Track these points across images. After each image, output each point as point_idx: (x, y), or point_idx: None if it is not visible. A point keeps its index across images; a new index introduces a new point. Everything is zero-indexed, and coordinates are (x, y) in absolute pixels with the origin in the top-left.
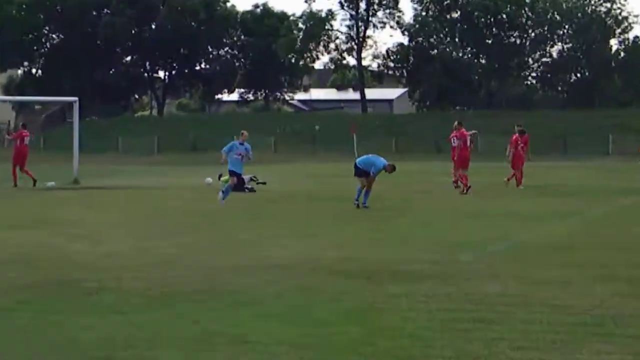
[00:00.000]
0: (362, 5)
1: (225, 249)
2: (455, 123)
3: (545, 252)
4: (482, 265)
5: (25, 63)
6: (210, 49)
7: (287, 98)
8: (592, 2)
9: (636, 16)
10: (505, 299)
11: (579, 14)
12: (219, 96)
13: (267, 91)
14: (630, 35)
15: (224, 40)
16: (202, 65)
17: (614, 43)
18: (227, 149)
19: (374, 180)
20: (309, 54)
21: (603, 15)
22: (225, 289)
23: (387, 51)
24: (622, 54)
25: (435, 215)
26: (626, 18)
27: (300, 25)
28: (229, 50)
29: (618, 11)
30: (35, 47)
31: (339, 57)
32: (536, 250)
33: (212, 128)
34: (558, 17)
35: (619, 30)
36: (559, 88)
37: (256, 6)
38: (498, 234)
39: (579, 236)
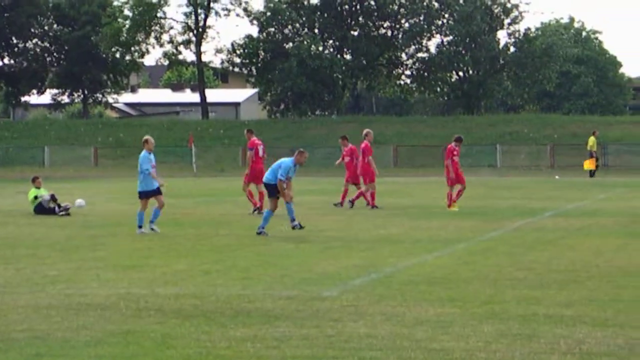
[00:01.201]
0: None
1: (30, 286)
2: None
3: (421, 286)
4: (347, 301)
5: None
6: (14, 41)
7: (110, 101)
8: None
9: (527, 4)
10: (374, 341)
11: (462, 1)
12: (26, 98)
13: (85, 92)
14: (521, 27)
15: (32, 30)
16: (5, 61)
17: (502, 36)
18: (145, 164)
19: (289, 186)
20: (137, 48)
21: (489, 3)
22: (25, 335)
23: (232, 44)
24: (512, 49)
25: (291, 243)
26: (516, 6)
27: (126, 12)
28: (39, 43)
29: None
30: None
31: (174, 51)
32: (411, 284)
33: (17, 137)
34: (436, 5)
35: (507, 21)
36: (438, 89)
37: None
38: (367, 264)
39: (462, 267)
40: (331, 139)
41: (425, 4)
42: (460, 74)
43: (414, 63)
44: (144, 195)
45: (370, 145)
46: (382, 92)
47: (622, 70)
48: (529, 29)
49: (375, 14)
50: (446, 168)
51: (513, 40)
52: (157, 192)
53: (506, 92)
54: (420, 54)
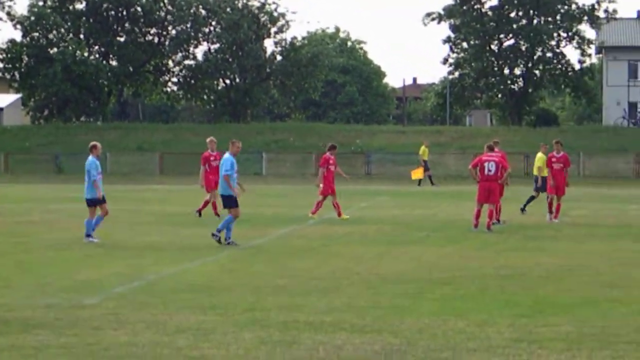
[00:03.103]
0: None
1: None
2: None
3: (183, 294)
4: (108, 309)
5: None
6: None
7: None
8: None
9: (294, 13)
10: (134, 349)
11: (229, 9)
12: None
13: None
14: (288, 36)
15: None
16: None
17: (269, 44)
18: (95, 170)
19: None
20: None
21: (256, 11)
22: None
23: None
24: (279, 57)
25: (53, 250)
26: (283, 15)
27: None
28: None
29: (273, 6)
30: None
31: None
32: (173, 292)
33: None
34: (204, 12)
35: (274, 30)
36: (205, 97)
37: None
38: (130, 272)
39: (225, 274)
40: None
41: (192, 11)
42: (227, 81)
43: (180, 70)
44: (92, 202)
45: (209, 154)
46: (149, 99)
47: (385, 80)
48: (295, 38)
49: (142, 20)
50: (321, 177)
51: (280, 48)
52: (101, 200)
53: (273, 101)
54: (187, 61)
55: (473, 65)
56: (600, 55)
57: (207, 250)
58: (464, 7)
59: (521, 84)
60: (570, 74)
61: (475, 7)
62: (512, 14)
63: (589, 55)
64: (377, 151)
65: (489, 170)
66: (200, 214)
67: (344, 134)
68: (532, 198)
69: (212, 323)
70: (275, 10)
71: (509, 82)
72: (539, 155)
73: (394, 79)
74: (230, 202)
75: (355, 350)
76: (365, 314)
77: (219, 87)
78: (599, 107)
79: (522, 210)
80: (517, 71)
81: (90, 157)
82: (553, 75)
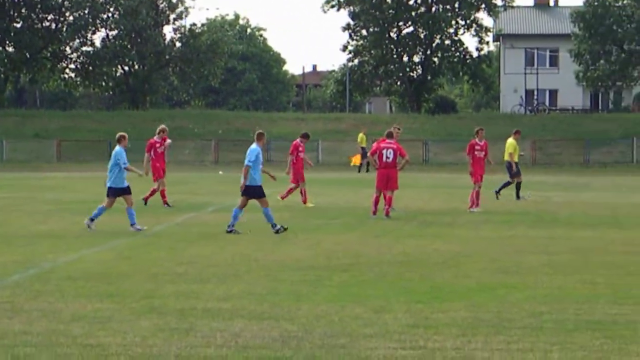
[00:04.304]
0: None
1: None
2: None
3: (80, 282)
4: (3, 298)
5: None
6: None
7: None
8: None
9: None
10: (29, 338)
11: None
12: None
13: None
14: (187, 23)
15: None
16: None
17: (168, 31)
18: (125, 159)
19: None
20: None
21: None
22: None
23: None
24: (178, 44)
25: None
26: (182, 2)
27: None
28: None
29: None
30: None
31: None
32: (69, 279)
33: None
34: None
35: (173, 16)
36: (103, 84)
37: None
38: (25, 260)
39: (123, 261)
40: None
41: None
42: (126, 68)
43: (78, 57)
44: (113, 192)
45: (155, 141)
46: (46, 86)
47: (285, 67)
48: (194, 24)
49: (39, 6)
50: (291, 164)
51: (179, 35)
52: (126, 191)
53: (172, 88)
54: (84, 48)
55: (372, 52)
56: (498, 43)
57: (104, 238)
58: None
59: (420, 71)
60: (468, 61)
61: None
62: (411, 2)
63: (487, 43)
64: (277, 138)
65: (387, 158)
66: (146, 203)
67: (244, 121)
68: (507, 183)
69: (109, 311)
70: None
71: (407, 69)
72: (510, 141)
73: (294, 66)
74: (256, 192)
75: (253, 336)
76: (263, 301)
77: (117, 74)
78: (497, 95)
79: (497, 193)
80: (416, 59)
81: (118, 148)
82: (451, 63)
